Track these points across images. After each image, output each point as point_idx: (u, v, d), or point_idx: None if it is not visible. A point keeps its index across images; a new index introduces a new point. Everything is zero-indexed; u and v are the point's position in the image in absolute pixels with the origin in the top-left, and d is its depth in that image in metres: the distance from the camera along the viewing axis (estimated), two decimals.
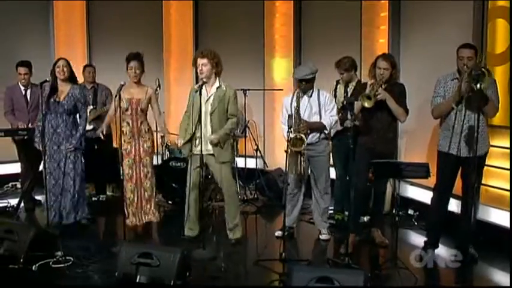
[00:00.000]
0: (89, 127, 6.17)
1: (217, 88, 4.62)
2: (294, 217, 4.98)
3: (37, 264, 4.11)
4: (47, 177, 4.92)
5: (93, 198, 6.32)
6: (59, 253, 4.28)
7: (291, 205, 4.93)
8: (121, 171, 4.97)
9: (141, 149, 5.04)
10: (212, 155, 4.65)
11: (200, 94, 4.38)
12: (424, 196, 5.31)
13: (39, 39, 7.12)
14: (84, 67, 6.41)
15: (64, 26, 7.26)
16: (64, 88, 5.07)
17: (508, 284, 3.71)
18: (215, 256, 4.35)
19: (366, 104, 4.30)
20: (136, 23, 7.50)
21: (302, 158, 4.60)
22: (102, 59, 7.11)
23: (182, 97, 7.53)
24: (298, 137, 4.46)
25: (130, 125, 4.99)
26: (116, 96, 4.43)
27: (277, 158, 7.02)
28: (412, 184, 5.63)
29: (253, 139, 6.57)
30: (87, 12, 7.31)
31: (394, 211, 5.43)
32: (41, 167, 5.40)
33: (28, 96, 5.96)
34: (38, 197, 6.10)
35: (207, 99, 4.62)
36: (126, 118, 4.96)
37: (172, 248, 3.74)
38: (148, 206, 5.10)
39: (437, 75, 4.53)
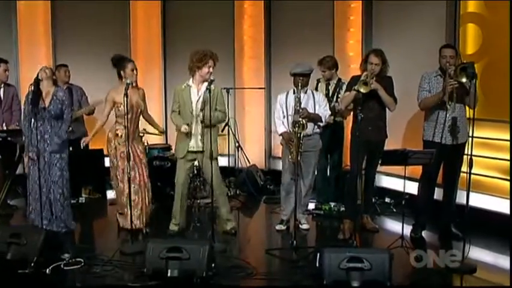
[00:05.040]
0: None
1: (206, 88, 4.79)
2: (290, 210, 5.11)
3: (50, 267, 4.02)
4: (32, 184, 4.82)
5: (72, 201, 6.14)
6: (67, 255, 4.25)
7: (287, 200, 5.14)
8: (117, 174, 4.96)
9: (137, 150, 5.03)
10: (202, 151, 4.83)
11: (210, 92, 4.58)
12: (399, 185, 5.77)
13: (2, 39, 6.83)
14: (59, 67, 6.25)
15: (27, 26, 7.00)
16: (50, 89, 4.90)
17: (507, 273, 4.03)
18: (226, 248, 4.52)
19: (362, 90, 4.62)
20: (102, 23, 7.38)
21: (300, 146, 4.83)
22: (67, 59, 6.87)
23: (149, 97, 7.47)
24: (300, 122, 4.77)
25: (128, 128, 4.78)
26: (124, 95, 4.42)
27: (249, 155, 7.24)
28: (387, 174, 6.09)
29: (234, 137, 6.73)
30: (52, 12, 7.09)
31: (373, 200, 5.87)
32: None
33: (1, 96, 5.74)
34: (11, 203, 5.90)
35: (198, 99, 4.84)
36: (123, 121, 4.81)
37: (200, 241, 3.87)
38: (150, 207, 5.08)
39: (409, 74, 4.97)
